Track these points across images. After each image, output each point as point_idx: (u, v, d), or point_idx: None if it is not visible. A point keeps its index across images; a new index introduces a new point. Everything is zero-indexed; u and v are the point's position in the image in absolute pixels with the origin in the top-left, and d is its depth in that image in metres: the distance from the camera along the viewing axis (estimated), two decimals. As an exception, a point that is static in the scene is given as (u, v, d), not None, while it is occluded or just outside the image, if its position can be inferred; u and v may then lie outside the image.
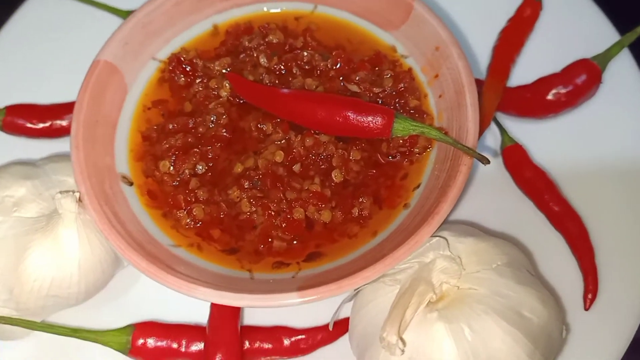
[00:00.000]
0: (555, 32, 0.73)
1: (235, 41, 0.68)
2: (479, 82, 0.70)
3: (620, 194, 0.63)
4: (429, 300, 0.49)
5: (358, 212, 0.59)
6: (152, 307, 0.60)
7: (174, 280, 0.51)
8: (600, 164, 0.65)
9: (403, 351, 0.46)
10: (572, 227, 0.61)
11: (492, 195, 0.65)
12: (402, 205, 0.59)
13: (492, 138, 0.68)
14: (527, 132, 0.68)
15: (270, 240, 0.58)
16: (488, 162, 0.54)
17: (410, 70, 0.65)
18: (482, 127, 0.66)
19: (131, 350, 0.56)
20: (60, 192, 0.54)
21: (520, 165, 0.65)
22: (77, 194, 0.54)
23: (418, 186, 0.59)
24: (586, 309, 0.58)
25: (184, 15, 0.68)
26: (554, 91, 0.67)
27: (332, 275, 0.53)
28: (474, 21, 0.74)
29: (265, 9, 0.70)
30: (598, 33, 0.72)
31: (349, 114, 0.58)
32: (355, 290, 0.53)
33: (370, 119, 0.57)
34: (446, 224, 0.57)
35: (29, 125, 0.69)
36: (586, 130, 0.67)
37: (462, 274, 0.50)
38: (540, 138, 0.67)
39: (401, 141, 0.60)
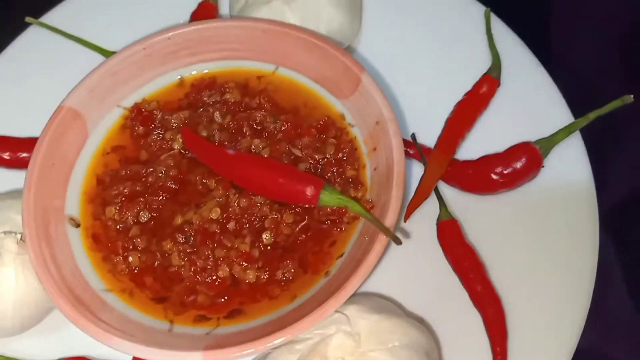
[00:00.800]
0: (510, 111, 0.74)
1: (197, 95, 0.73)
2: (428, 151, 0.72)
3: (541, 284, 0.64)
4: (321, 375, 0.51)
5: (282, 275, 0.62)
6: (86, 343, 0.63)
7: (92, 327, 0.55)
8: (530, 251, 0.66)
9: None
10: (490, 308, 0.62)
11: (422, 265, 0.66)
12: (324, 272, 0.61)
13: (433, 208, 0.70)
14: (467, 206, 0.69)
15: (195, 294, 0.61)
16: (400, 243, 0.56)
17: (352, 140, 0.68)
18: (422, 197, 0.69)
19: (60, 383, 0.60)
20: (4, 233, 0.59)
21: (452, 241, 0.67)
22: (19, 236, 0.59)
23: (342, 255, 0.62)
24: (490, 392, 0.59)
25: (153, 66, 0.73)
26: (494, 170, 0.69)
27: (242, 337, 0.56)
28: (435, 90, 0.76)
29: (230, 66, 0.74)
30: (553, 115, 0.73)
31: (281, 180, 0.61)
32: (259, 355, 0.56)
33: (299, 187, 0.60)
34: (359, 296, 0.60)
35: (1, 154, 0.74)
36: (521, 213, 0.68)
37: (358, 352, 0.52)
38: (478, 214, 0.69)
39: (330, 210, 0.62)
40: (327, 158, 0.66)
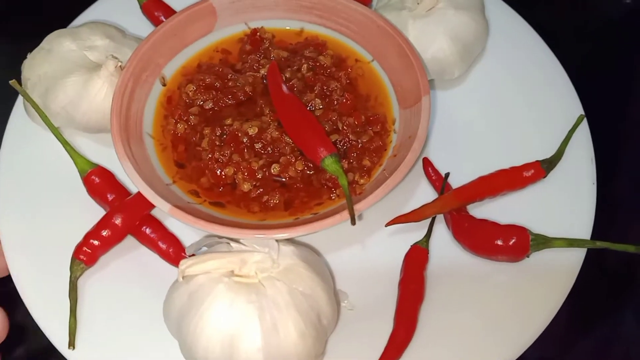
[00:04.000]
0: (539, 202, 0.78)
1: (303, 46, 0.86)
2: (447, 190, 0.79)
3: (457, 348, 0.69)
4: (232, 271, 0.62)
5: (267, 200, 0.73)
6: (111, 166, 0.79)
7: (120, 147, 0.72)
8: (466, 317, 0.71)
9: (183, 278, 0.61)
10: (402, 329, 0.68)
11: (377, 266, 0.74)
12: (296, 217, 0.72)
13: (420, 233, 0.76)
14: (446, 248, 0.75)
15: (201, 175, 0.75)
16: (353, 223, 0.65)
17: (388, 142, 0.77)
18: (413, 217, 0.73)
19: (85, 177, 0.78)
20: (112, 55, 0.77)
21: (413, 264, 0.73)
22: (120, 64, 0.77)
23: (316, 214, 0.72)
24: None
25: (285, 10, 0.86)
26: (484, 234, 0.73)
27: (205, 217, 0.69)
28: (487, 150, 0.82)
29: (341, 40, 0.86)
30: (570, 225, 0.76)
31: (306, 131, 0.72)
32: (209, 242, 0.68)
33: (316, 143, 0.71)
34: (305, 248, 0.69)
35: (156, 15, 0.94)
36: (483, 283, 0.72)
37: (268, 275, 0.62)
38: (449, 260, 0.74)
39: (329, 177, 0.73)
40: (357, 142, 0.76)
